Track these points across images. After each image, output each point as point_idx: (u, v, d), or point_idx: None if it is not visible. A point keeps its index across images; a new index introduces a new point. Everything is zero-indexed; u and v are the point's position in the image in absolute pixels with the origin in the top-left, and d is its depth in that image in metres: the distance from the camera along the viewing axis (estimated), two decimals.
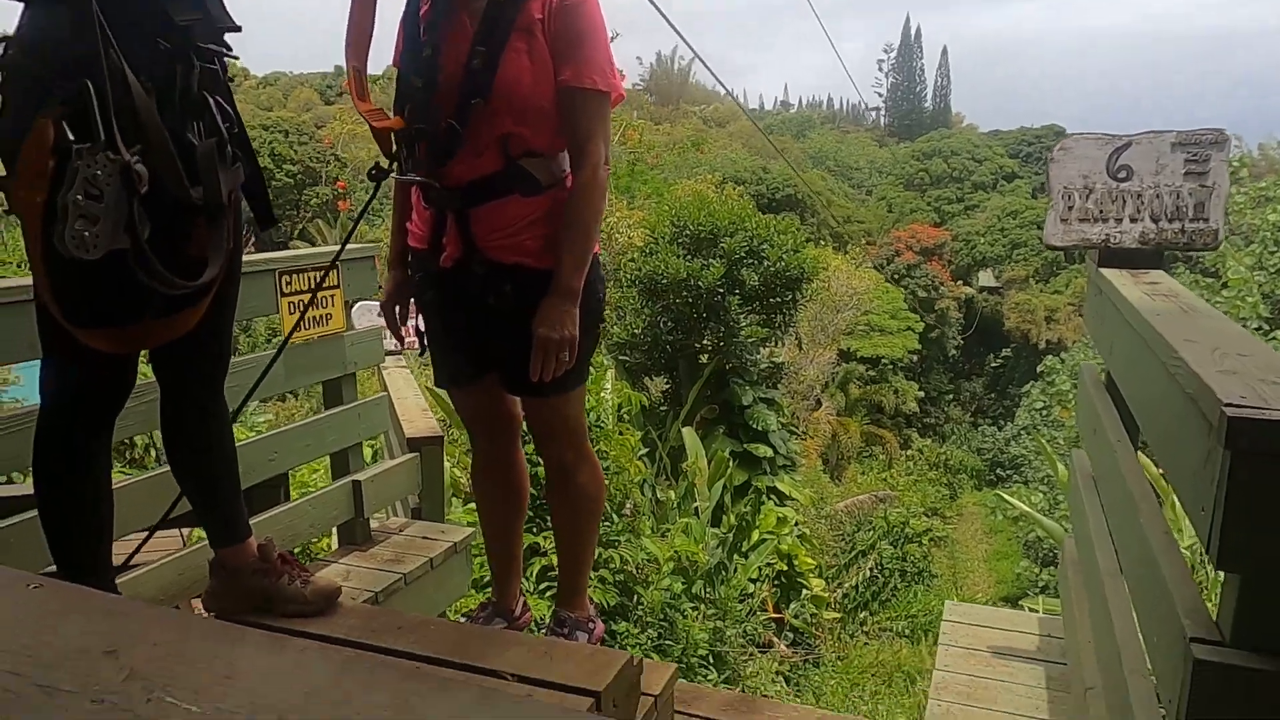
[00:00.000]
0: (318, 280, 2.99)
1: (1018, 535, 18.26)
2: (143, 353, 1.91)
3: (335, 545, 3.59)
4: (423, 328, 2.17)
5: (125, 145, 1.47)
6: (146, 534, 2.12)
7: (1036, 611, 8.94)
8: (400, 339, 2.21)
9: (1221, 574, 1.23)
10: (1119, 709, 1.61)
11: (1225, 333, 1.53)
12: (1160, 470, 3.24)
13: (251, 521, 2.95)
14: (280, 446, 3.05)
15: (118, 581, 2.42)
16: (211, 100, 1.69)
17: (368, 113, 1.95)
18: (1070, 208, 2.38)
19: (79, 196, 1.43)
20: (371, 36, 1.98)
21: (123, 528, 2.34)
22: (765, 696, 7.09)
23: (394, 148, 2.00)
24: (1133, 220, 2.33)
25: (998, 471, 24.78)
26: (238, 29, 1.74)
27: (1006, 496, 10.96)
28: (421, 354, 2.21)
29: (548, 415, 2.13)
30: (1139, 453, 2.04)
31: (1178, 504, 3.69)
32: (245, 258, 2.49)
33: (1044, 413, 20.05)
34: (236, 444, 2.94)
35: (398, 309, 2.18)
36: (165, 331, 1.69)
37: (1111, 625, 1.75)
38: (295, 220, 28.62)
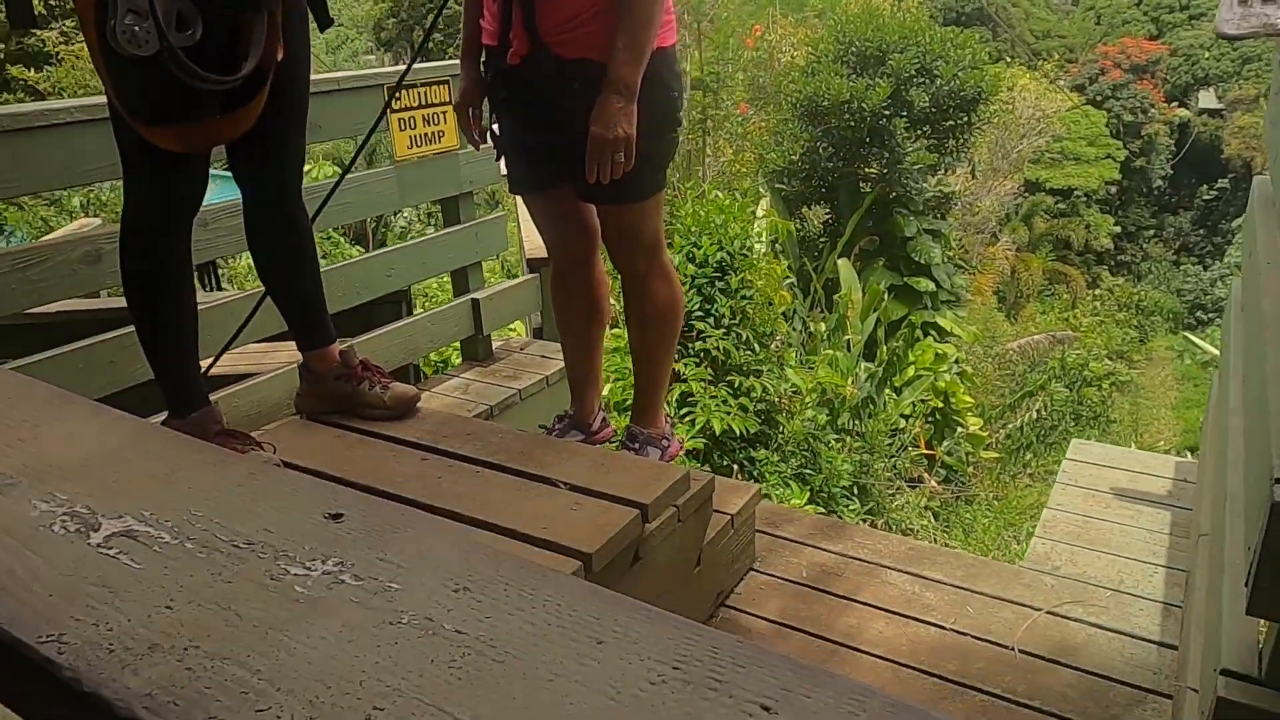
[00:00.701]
0: (388, 101, 2.96)
1: (1210, 382, 16.94)
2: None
3: (460, 359, 3.73)
4: (496, 129, 2.10)
5: None
6: (231, 337, 2.23)
7: None
8: (474, 141, 2.16)
9: None
10: (1219, 558, 1.46)
11: None
12: None
13: (371, 335, 3.10)
14: (396, 264, 3.14)
15: (241, 387, 2.61)
16: None
17: None
18: None
19: None
20: None
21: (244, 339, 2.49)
22: (858, 525, 7.08)
23: None
24: None
25: (1198, 315, 22.88)
26: None
27: (1194, 339, 10.09)
28: (497, 158, 2.15)
29: (619, 223, 2.05)
30: None
31: None
32: (352, 73, 2.45)
33: None
34: (356, 260, 3.05)
35: (471, 110, 2.12)
36: (226, 129, 1.71)
37: (1226, 465, 1.57)
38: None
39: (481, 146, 2.15)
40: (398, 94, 2.97)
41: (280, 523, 0.45)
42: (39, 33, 10.11)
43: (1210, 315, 21.90)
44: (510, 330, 5.13)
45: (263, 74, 1.66)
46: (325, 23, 1.83)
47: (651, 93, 1.87)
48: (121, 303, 2.14)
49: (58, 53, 9.56)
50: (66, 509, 0.44)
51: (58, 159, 2.20)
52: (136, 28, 1.44)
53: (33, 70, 9.38)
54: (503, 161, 2.19)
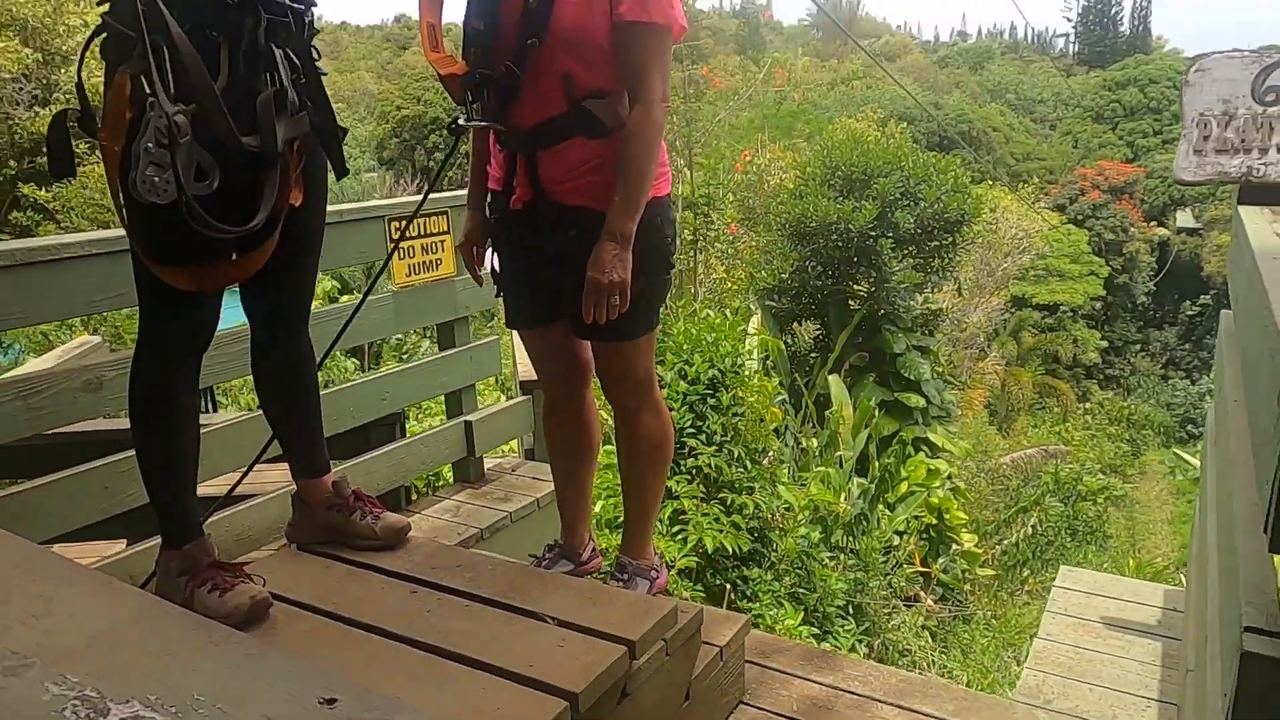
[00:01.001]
0: (401, 231, 3.08)
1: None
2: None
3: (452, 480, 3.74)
4: (497, 268, 2.20)
5: (184, 99, 1.55)
6: (243, 471, 2.27)
7: None
8: (477, 277, 2.25)
9: None
10: (1200, 697, 1.47)
11: None
12: None
13: (365, 458, 3.12)
14: (392, 387, 3.19)
15: (230, 512, 2.62)
16: (279, 52, 1.75)
17: (436, 61, 1.97)
18: (1206, 137, 2.11)
19: (150, 144, 1.52)
20: None
21: (236, 463, 2.52)
22: (848, 656, 6.96)
23: (463, 94, 2.01)
24: None
25: (1188, 429, 22.95)
26: None
27: (1184, 455, 10.12)
28: (497, 295, 2.24)
29: (612, 360, 2.13)
30: None
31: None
32: (356, 205, 2.55)
33: None
34: (351, 384, 3.10)
35: (475, 250, 2.22)
36: (236, 271, 1.79)
37: (1205, 602, 1.59)
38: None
39: (483, 283, 2.25)
40: (402, 228, 3.08)
41: (277, 707, 0.48)
42: None
43: (1200, 429, 21.96)
44: (503, 449, 5.16)
45: (274, 221, 1.75)
46: (341, 172, 1.94)
47: (646, 238, 1.97)
48: (111, 425, 2.16)
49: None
50: (78, 693, 0.46)
51: (66, 291, 2.28)
52: (156, 178, 1.52)
53: (43, 189, 9.63)
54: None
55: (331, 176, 2.00)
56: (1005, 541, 12.62)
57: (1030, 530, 12.97)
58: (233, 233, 1.65)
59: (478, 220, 2.19)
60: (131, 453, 1.97)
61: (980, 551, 10.27)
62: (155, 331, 1.83)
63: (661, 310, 2.25)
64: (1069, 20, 61.86)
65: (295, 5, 1.77)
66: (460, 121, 2.01)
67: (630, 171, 1.90)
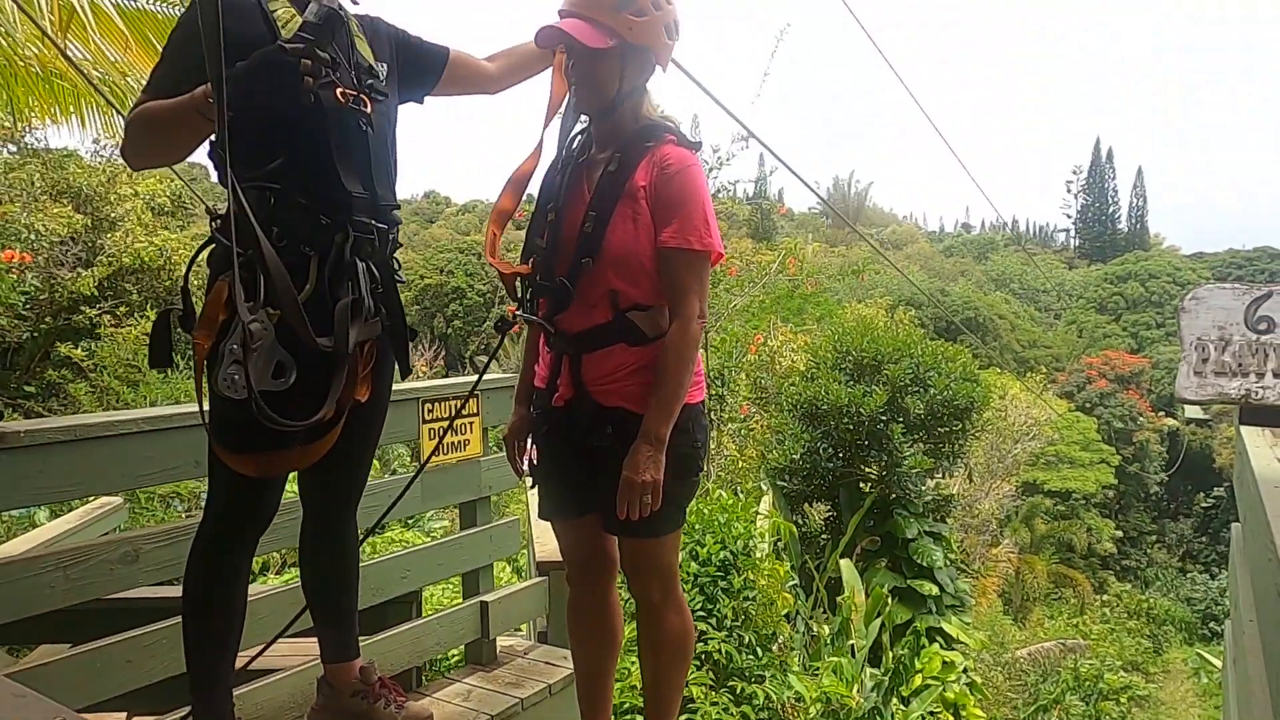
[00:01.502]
0: (456, 410, 3.20)
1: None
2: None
3: (464, 662, 3.70)
4: (534, 459, 2.31)
5: (270, 306, 1.71)
6: (267, 642, 2.30)
7: None
8: (519, 471, 2.36)
9: None
10: None
11: None
12: None
13: (381, 636, 3.13)
14: (413, 565, 3.23)
15: (251, 687, 2.62)
16: (361, 264, 1.94)
17: (498, 264, 2.17)
18: (1205, 360, 2.24)
19: (235, 345, 1.67)
20: (513, 213, 2.24)
21: (261, 634, 2.54)
22: None
23: (519, 293, 2.20)
24: (1276, 375, 2.16)
25: (1210, 625, 22.27)
26: (397, 206, 2.03)
27: (1207, 655, 9.81)
28: (531, 487, 2.33)
29: (639, 555, 2.20)
30: None
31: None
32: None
33: None
34: (373, 561, 3.15)
35: (517, 443, 2.33)
36: (295, 460, 1.90)
37: None
38: (482, 336, 30.43)
39: (522, 475, 2.36)
40: (430, 405, 3.22)
41: None
42: (89, 310, 10.87)
43: (1220, 627, 21.31)
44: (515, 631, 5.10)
45: (339, 414, 1.88)
46: (405, 372, 2.10)
47: (679, 442, 2.09)
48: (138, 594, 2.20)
49: (105, 332, 10.18)
50: None
51: (115, 466, 2.38)
52: (237, 375, 1.66)
53: (77, 348, 9.95)
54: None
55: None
56: None
57: None
58: (294, 427, 1.77)
59: (523, 415, 2.32)
60: (157, 626, 2.02)
61: None
62: (220, 512, 1.92)
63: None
64: (1068, 217, 64.49)
65: (379, 224, 1.97)
66: (517, 314, 2.19)
67: (667, 381, 2.05)
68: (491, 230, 2.19)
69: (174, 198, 14.50)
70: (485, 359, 2.69)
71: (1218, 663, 9.40)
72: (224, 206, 1.88)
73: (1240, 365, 2.21)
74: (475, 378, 3.11)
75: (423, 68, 2.25)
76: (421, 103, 2.33)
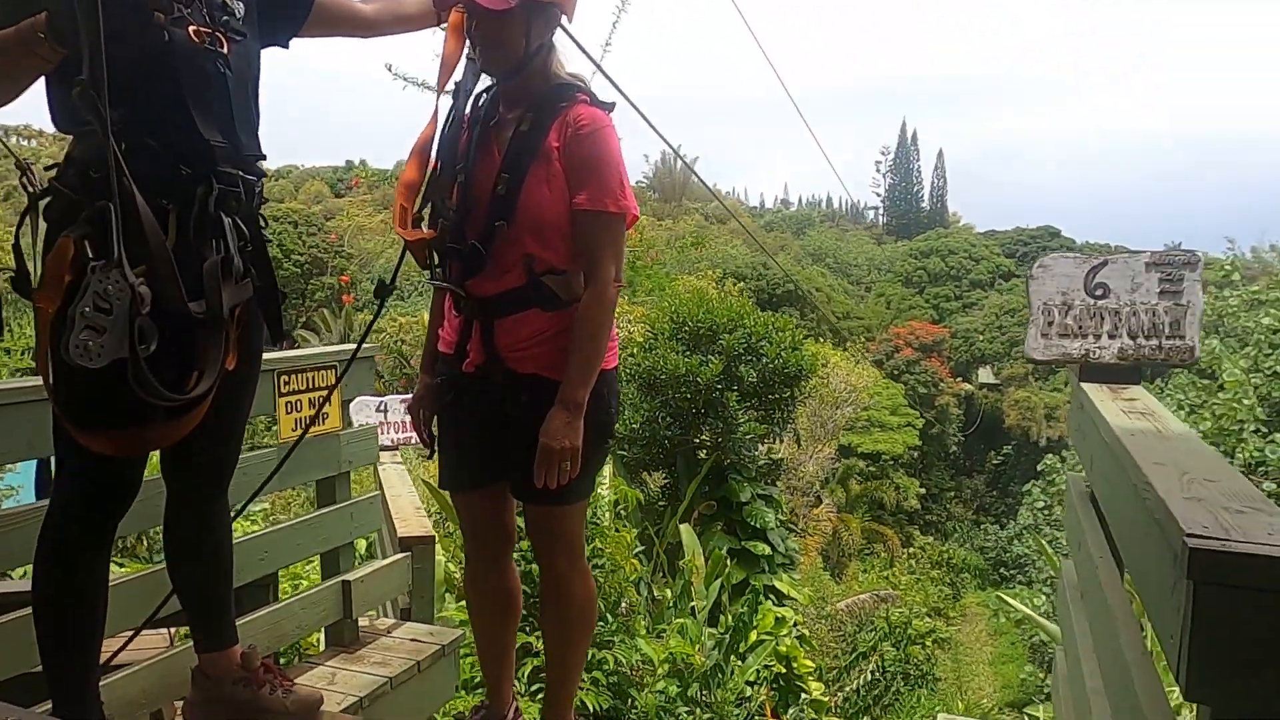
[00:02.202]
0: (333, 384, 3.06)
1: (1022, 638, 17.92)
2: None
3: (323, 644, 3.55)
4: (435, 430, 2.23)
5: (133, 264, 1.55)
6: (131, 634, 2.12)
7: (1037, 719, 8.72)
8: (426, 442, 2.27)
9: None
10: None
11: (1196, 456, 1.57)
12: None
13: (239, 621, 2.94)
14: (271, 546, 3.05)
15: (101, 683, 2.41)
16: (227, 220, 1.79)
17: (404, 233, 2.07)
18: (1050, 323, 2.45)
19: (87, 309, 1.51)
20: (420, 184, 2.12)
21: (113, 625, 2.34)
22: None
23: (429, 259, 2.11)
24: (1111, 336, 2.39)
25: (1001, 571, 24.45)
26: (263, 157, 1.87)
27: (1007, 598, 10.81)
28: (430, 456, 2.26)
29: (547, 524, 2.18)
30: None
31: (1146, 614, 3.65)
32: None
33: (1045, 512, 19.90)
34: None
35: (423, 412, 2.24)
36: (159, 438, 1.75)
37: None
38: (300, 310, 28.97)
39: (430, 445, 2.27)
40: (286, 377, 3.05)
41: None
42: None
43: (1011, 572, 23.43)
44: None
45: (209, 387, 1.73)
46: (278, 337, 1.95)
47: (594, 408, 2.06)
48: None
49: None
50: None
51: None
52: (90, 342, 1.50)
53: None
54: (384, 439, 2.30)
55: None
56: (847, 688, 12.87)
57: (869, 676, 13.31)
58: (178, 400, 1.63)
59: (428, 383, 2.23)
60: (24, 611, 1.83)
61: (826, 699, 10.42)
62: (70, 496, 1.74)
63: None
64: (878, 195, 68.39)
65: (247, 176, 1.82)
66: (430, 281, 2.11)
67: (584, 345, 2.02)
68: (400, 204, 2.07)
69: None
70: (357, 330, 2.56)
71: (1015, 603, 10.35)
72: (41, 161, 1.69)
73: (1080, 327, 2.43)
74: (343, 347, 2.98)
75: (287, 5, 2.08)
76: (286, 46, 2.17)
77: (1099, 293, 2.42)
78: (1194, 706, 1.35)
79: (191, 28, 1.72)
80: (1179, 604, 1.17)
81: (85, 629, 1.76)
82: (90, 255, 1.54)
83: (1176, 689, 1.37)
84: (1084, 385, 2.35)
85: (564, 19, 2.11)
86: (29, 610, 1.94)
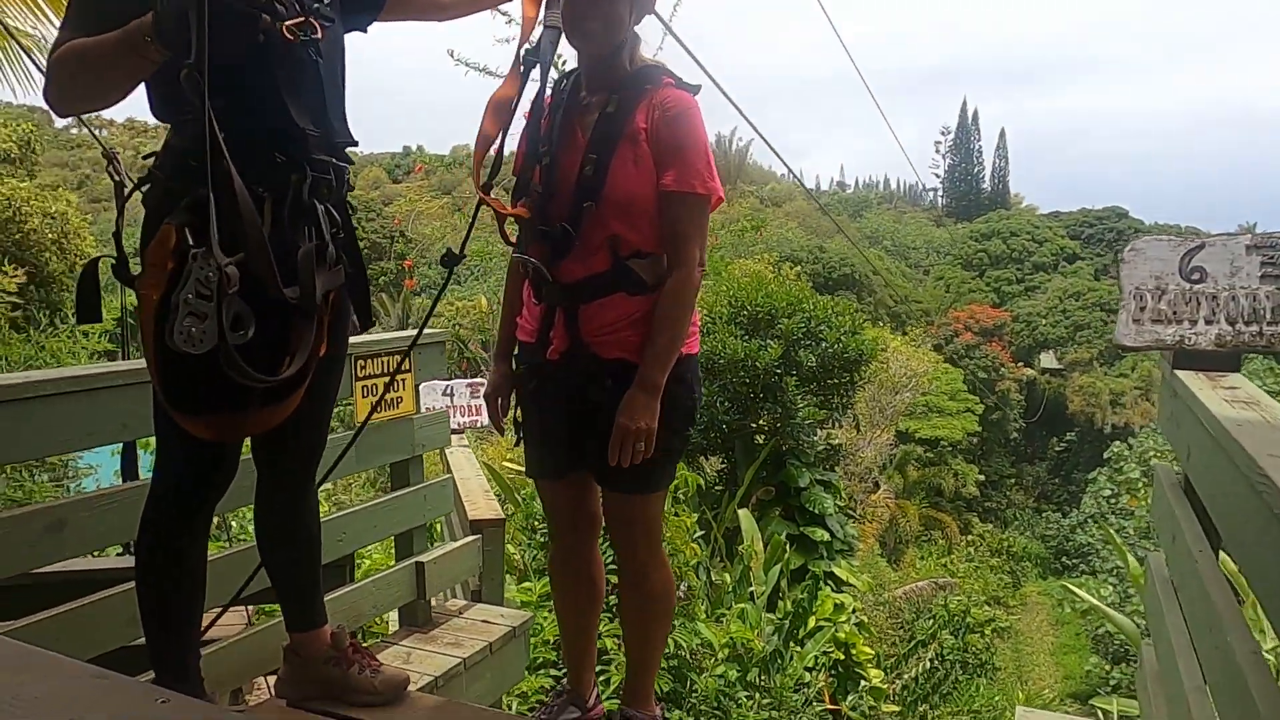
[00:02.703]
0: (396, 366, 3.09)
1: (1086, 629, 17.58)
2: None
3: (395, 625, 3.61)
4: (519, 418, 2.23)
5: (231, 251, 1.57)
6: (220, 611, 2.18)
7: (1110, 712, 8.54)
8: (501, 429, 2.28)
9: None
10: None
11: None
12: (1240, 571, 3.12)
13: None
14: (348, 528, 3.11)
15: (206, 653, 2.48)
16: (321, 207, 1.81)
17: (494, 201, 2.03)
18: (1142, 308, 2.37)
19: (190, 295, 1.53)
20: (495, 138, 2.06)
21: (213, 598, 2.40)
22: None
23: (508, 237, 2.11)
24: (1208, 322, 2.30)
25: (1063, 560, 24.00)
26: (354, 143, 1.88)
27: (1074, 588, 10.57)
28: (516, 444, 2.27)
29: (627, 511, 2.17)
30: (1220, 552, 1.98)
31: (1260, 606, 3.54)
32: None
33: (1111, 500, 19.45)
34: None
35: (500, 400, 2.25)
36: (258, 423, 1.78)
37: None
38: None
39: (506, 433, 2.27)
40: (363, 363, 3.09)
41: None
42: None
43: (1074, 561, 22.98)
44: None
45: (304, 373, 1.76)
46: (366, 324, 1.97)
47: (674, 393, 2.05)
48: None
49: None
50: None
51: (39, 430, 2.18)
52: (194, 329, 1.52)
53: None
54: (453, 423, 2.31)
55: None
56: (905, 676, 12.74)
57: (928, 665, 13.16)
58: (267, 382, 1.65)
59: (505, 371, 2.24)
60: (96, 596, 1.89)
61: (885, 687, 10.33)
62: (171, 482, 1.78)
63: None
64: (937, 176, 67.08)
65: (338, 163, 1.83)
66: (516, 255, 2.10)
67: (666, 328, 2.01)
68: (477, 156, 2.04)
69: (21, 143, 13.39)
70: (427, 312, 2.59)
71: (1083, 593, 10.12)
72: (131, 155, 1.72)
73: (1175, 313, 2.35)
74: (410, 333, 3.00)
75: None
76: (365, 30, 2.17)
77: (1195, 277, 2.33)
78: None
79: (286, 24, 1.73)
80: None
81: (187, 606, 1.81)
82: (191, 242, 1.56)
83: None
84: (1178, 373, 2.27)
85: (651, 7, 2.10)
86: (126, 587, 2.00)
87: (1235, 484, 1.54)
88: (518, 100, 2.05)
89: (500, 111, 2.04)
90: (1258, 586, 1.40)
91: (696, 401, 2.18)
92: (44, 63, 1.71)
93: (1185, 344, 2.33)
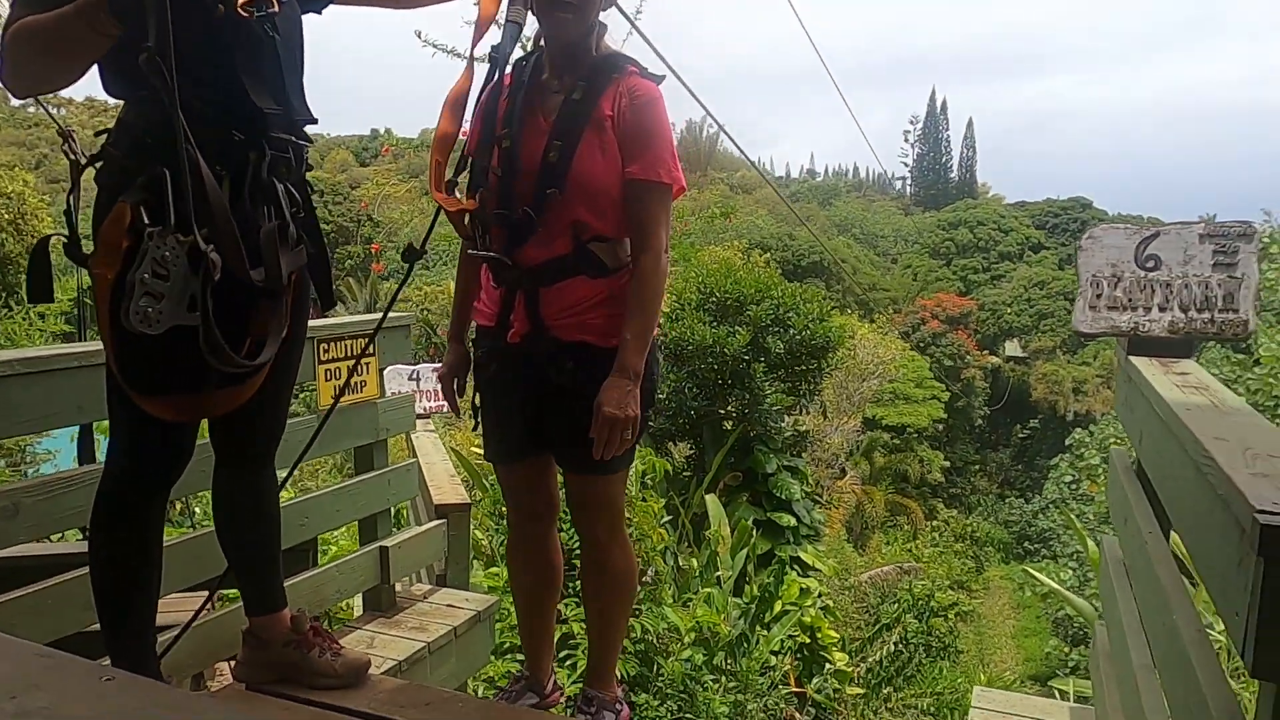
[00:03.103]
0: (361, 350, 3.06)
1: (1046, 612, 17.89)
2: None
3: (359, 610, 3.60)
4: (477, 403, 2.23)
5: (192, 229, 1.55)
6: (207, 597, 2.17)
7: (1066, 693, 8.72)
8: (457, 410, 2.29)
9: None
10: None
11: (1257, 431, 1.54)
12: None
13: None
14: (311, 511, 3.09)
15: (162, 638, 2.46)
16: (280, 186, 1.79)
17: (442, 199, 2.05)
18: (1099, 295, 2.40)
19: (146, 275, 1.51)
20: (455, 137, 2.10)
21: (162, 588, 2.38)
22: None
23: (470, 230, 2.10)
24: (1161, 309, 2.35)
25: (1025, 545, 24.38)
26: (314, 121, 1.86)
27: (1034, 572, 10.76)
28: (475, 428, 2.27)
29: (591, 492, 2.18)
30: (1171, 534, 2.03)
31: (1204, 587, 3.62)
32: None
33: (1072, 486, 19.77)
34: None
35: (455, 381, 2.25)
36: (222, 403, 1.76)
37: (1142, 715, 1.73)
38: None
39: (464, 415, 2.28)
40: (326, 345, 3.07)
41: None
42: None
43: (1035, 546, 23.36)
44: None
45: (272, 353, 1.74)
46: (328, 304, 1.95)
47: (642, 376, 2.05)
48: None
49: None
50: None
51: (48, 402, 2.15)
52: (150, 309, 1.51)
53: None
54: (418, 407, 2.31)
55: None
56: (870, 659, 12.91)
57: (891, 648, 13.34)
58: (248, 366, 1.63)
59: (460, 352, 2.23)
60: (51, 581, 1.86)
61: (850, 670, 10.47)
62: (126, 464, 1.76)
63: None
64: (906, 165, 67.57)
65: (297, 141, 1.81)
66: (471, 251, 2.09)
67: (642, 314, 2.02)
68: (435, 159, 2.05)
69: None
70: (389, 301, 2.56)
71: (1043, 577, 10.30)
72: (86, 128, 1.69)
73: (1130, 300, 2.39)
74: (377, 316, 2.98)
75: None
76: (320, 12, 2.13)
77: (1150, 265, 2.37)
78: (1253, 684, 1.33)
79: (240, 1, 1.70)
80: (1246, 581, 1.15)
81: (142, 590, 1.79)
82: (146, 221, 1.54)
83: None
84: (1133, 359, 2.31)
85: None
86: (81, 571, 1.98)
87: (1183, 467, 1.58)
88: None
89: (457, 109, 2.05)
90: (1202, 568, 1.43)
91: (656, 384, 2.19)
92: None
93: (1140, 331, 2.37)
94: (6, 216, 10.84)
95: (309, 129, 1.89)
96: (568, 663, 5.79)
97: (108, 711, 0.61)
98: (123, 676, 0.66)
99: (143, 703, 0.62)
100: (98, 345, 1.93)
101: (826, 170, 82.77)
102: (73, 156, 1.73)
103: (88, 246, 1.66)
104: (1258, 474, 1.28)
